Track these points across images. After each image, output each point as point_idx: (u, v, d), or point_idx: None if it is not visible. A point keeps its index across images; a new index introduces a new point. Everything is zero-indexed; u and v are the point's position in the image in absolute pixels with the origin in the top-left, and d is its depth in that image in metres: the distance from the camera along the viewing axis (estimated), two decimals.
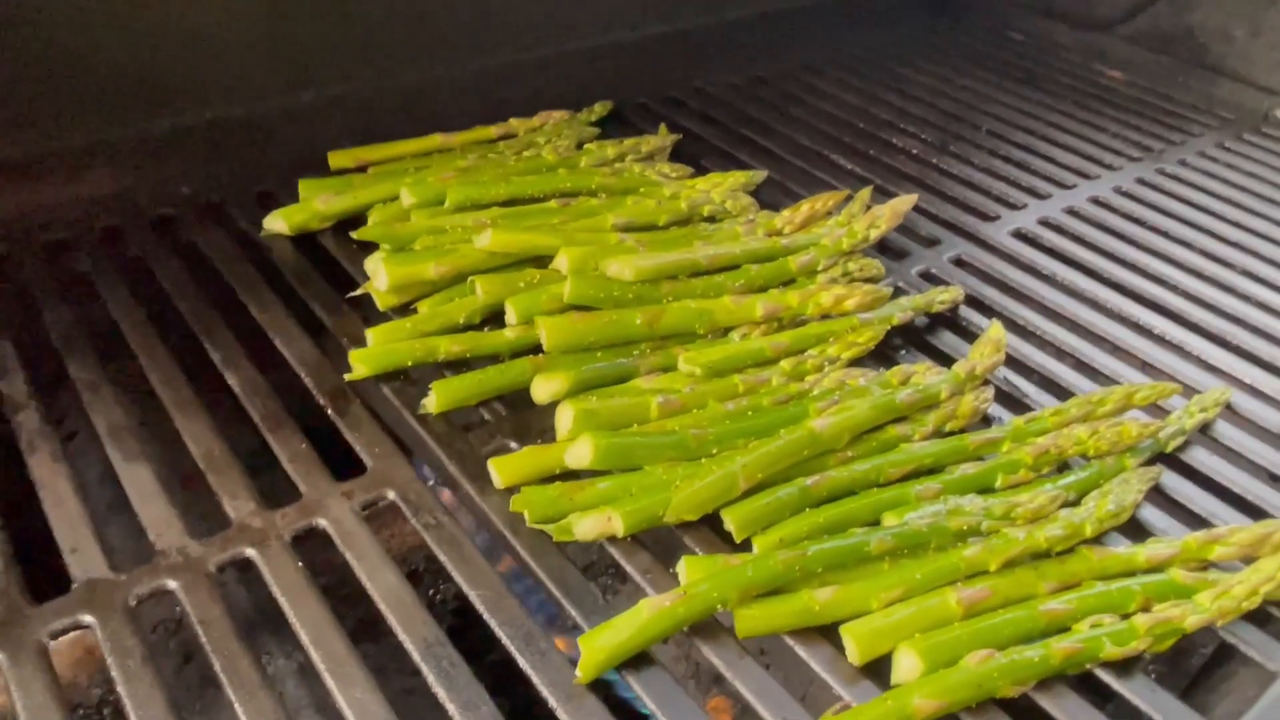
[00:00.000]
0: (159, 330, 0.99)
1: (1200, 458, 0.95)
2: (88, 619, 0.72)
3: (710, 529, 0.83)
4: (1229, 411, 1.02)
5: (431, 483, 0.89)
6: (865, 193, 1.19)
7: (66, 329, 0.98)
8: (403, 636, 0.73)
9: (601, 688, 0.72)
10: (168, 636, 0.94)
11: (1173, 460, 0.94)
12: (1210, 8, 1.66)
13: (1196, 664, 0.90)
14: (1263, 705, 0.74)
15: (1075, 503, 0.86)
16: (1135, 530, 0.86)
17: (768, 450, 0.83)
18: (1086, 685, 0.75)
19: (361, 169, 1.21)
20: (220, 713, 0.89)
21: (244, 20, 1.22)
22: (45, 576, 0.77)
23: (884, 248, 1.21)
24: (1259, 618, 0.80)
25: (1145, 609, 0.77)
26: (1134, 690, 0.74)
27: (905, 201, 1.17)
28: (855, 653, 0.73)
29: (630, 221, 1.12)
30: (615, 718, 0.69)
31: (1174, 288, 1.20)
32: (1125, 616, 0.76)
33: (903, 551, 0.79)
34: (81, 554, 0.77)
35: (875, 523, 0.82)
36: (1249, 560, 0.82)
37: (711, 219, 1.17)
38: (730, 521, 0.80)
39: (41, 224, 1.10)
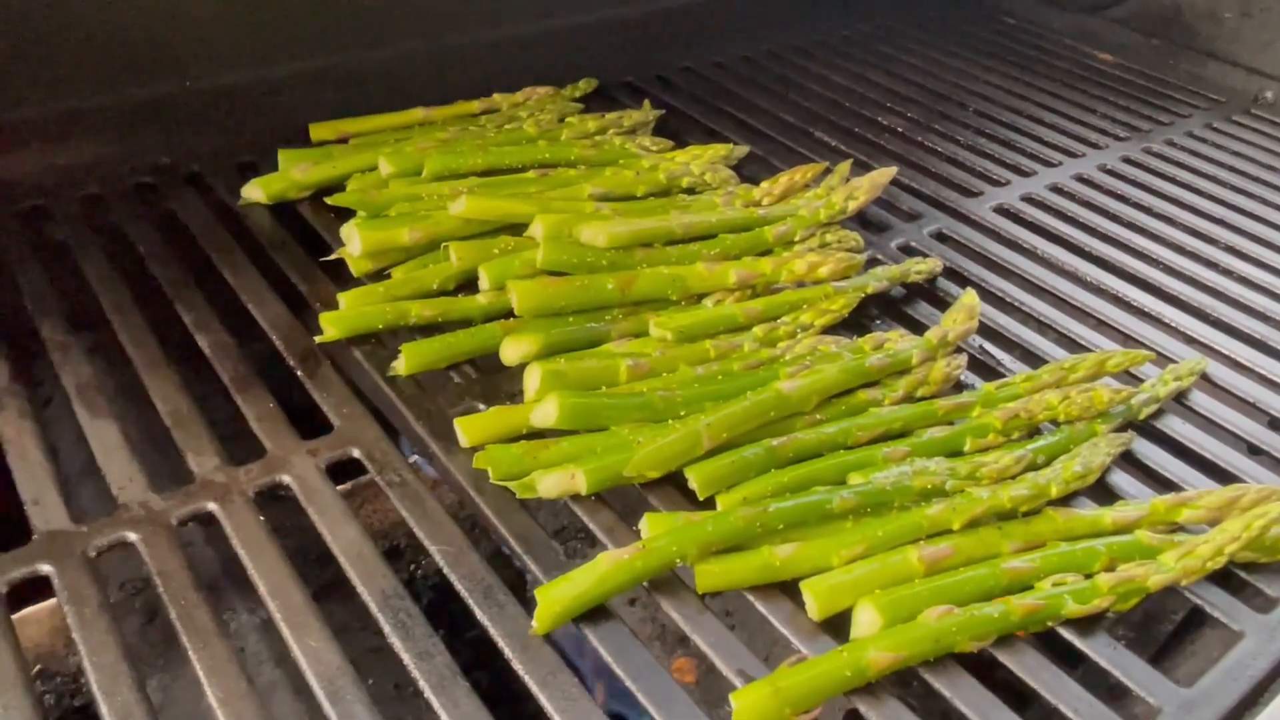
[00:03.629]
0: (133, 294, 0.99)
1: (1175, 426, 0.95)
2: (45, 568, 0.72)
3: (676, 488, 0.82)
4: (1206, 382, 1.01)
5: (414, 459, 0.88)
6: (845, 165, 1.19)
7: (40, 292, 0.98)
8: (361, 589, 0.73)
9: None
10: (133, 596, 0.94)
11: (1147, 428, 0.94)
12: None
13: (1168, 630, 0.90)
14: (1225, 664, 0.73)
15: (1044, 466, 0.85)
16: (1105, 494, 0.86)
17: (733, 410, 0.83)
18: (1049, 645, 0.75)
19: (342, 141, 1.21)
20: (182, 668, 0.89)
21: None
22: (9, 530, 0.77)
23: (864, 222, 1.21)
24: (1225, 579, 0.80)
25: (1110, 569, 0.76)
26: (1095, 649, 0.73)
27: (884, 174, 1.16)
28: (815, 608, 0.73)
29: (607, 192, 1.11)
30: (568, 667, 0.69)
31: (1156, 262, 1.19)
32: (1089, 576, 0.76)
33: (866, 510, 0.78)
34: (43, 506, 0.77)
35: (841, 483, 0.81)
36: (1217, 524, 0.81)
37: (690, 191, 1.17)
38: (693, 479, 0.79)
39: (21, 191, 1.10)
